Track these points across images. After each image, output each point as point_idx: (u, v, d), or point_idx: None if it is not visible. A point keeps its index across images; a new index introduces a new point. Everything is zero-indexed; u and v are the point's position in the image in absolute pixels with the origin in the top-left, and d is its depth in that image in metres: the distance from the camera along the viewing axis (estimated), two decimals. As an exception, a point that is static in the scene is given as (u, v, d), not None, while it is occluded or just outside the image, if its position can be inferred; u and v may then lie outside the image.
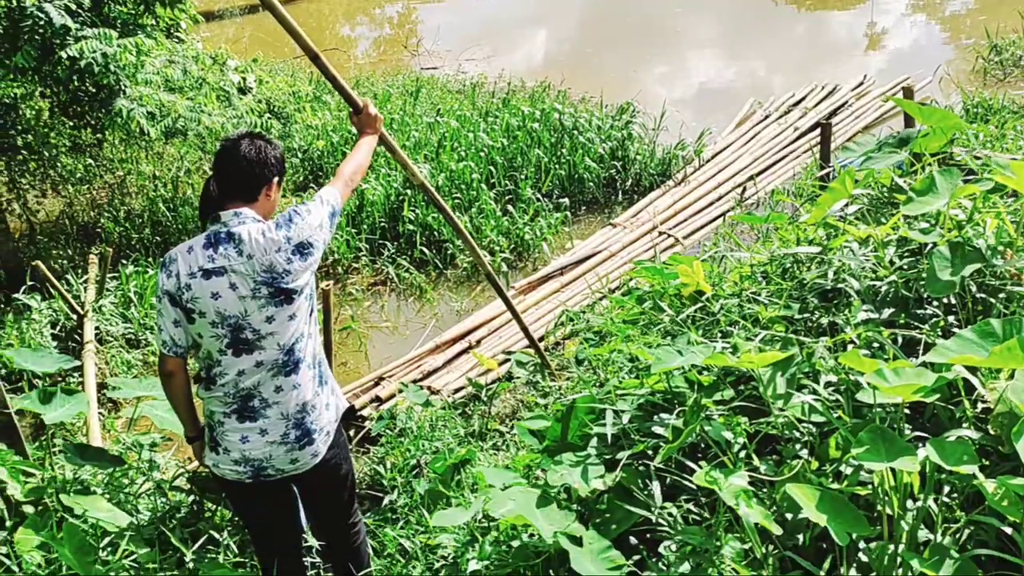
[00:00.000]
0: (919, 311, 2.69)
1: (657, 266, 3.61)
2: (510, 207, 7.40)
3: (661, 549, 2.22)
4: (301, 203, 2.86)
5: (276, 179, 2.80)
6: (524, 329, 4.80)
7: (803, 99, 9.29)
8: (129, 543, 3.06)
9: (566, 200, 7.62)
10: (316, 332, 2.89)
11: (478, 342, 5.74)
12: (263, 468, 2.83)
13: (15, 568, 2.80)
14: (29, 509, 3.04)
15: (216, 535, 3.40)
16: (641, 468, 2.51)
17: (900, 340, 2.58)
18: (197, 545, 3.18)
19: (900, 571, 1.94)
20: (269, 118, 7.24)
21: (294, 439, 2.82)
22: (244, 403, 2.79)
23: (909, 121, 5.48)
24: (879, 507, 2.02)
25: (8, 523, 2.99)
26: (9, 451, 3.07)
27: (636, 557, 2.28)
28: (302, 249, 2.76)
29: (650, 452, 2.52)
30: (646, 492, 2.39)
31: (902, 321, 2.66)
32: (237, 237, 2.70)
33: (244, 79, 7.16)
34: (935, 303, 2.67)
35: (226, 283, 2.69)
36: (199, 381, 2.90)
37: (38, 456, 3.30)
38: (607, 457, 2.60)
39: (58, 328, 5.91)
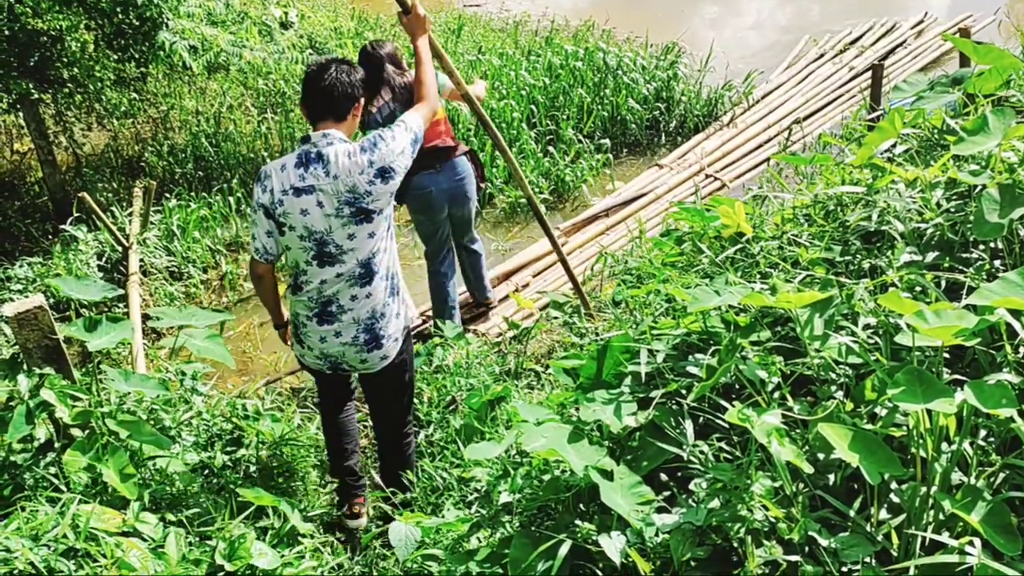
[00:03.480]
0: (964, 255, 2.63)
1: (697, 207, 3.56)
2: (551, 148, 7.33)
3: (691, 486, 2.22)
4: (387, 128, 3.08)
5: (362, 99, 3.09)
6: (565, 266, 4.80)
7: (860, 37, 9.00)
8: (171, 467, 3.15)
9: (607, 141, 7.53)
10: (392, 246, 3.21)
11: (525, 286, 5.75)
12: (339, 363, 3.27)
13: (63, 487, 2.89)
14: (76, 432, 3.13)
15: (255, 463, 3.49)
16: (674, 407, 2.50)
17: (943, 284, 2.53)
18: (235, 470, 3.26)
19: (932, 512, 1.93)
20: (311, 54, 7.21)
21: (363, 342, 3.19)
22: (324, 308, 3.14)
23: (965, 62, 5.31)
24: (913, 449, 2.00)
25: (57, 445, 3.08)
26: (57, 376, 3.15)
27: (666, 493, 2.29)
28: (384, 173, 3.00)
29: (683, 391, 2.51)
30: (678, 430, 2.39)
31: (946, 265, 2.61)
32: (325, 158, 2.96)
33: (286, 14, 7.12)
34: (981, 247, 2.60)
35: (314, 201, 2.97)
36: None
37: (85, 381, 3.39)
38: (640, 395, 2.60)
39: (104, 259, 6.04)
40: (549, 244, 5.93)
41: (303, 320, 3.20)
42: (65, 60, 6.52)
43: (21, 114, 6.72)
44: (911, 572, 1.85)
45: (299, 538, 2.87)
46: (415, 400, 4.15)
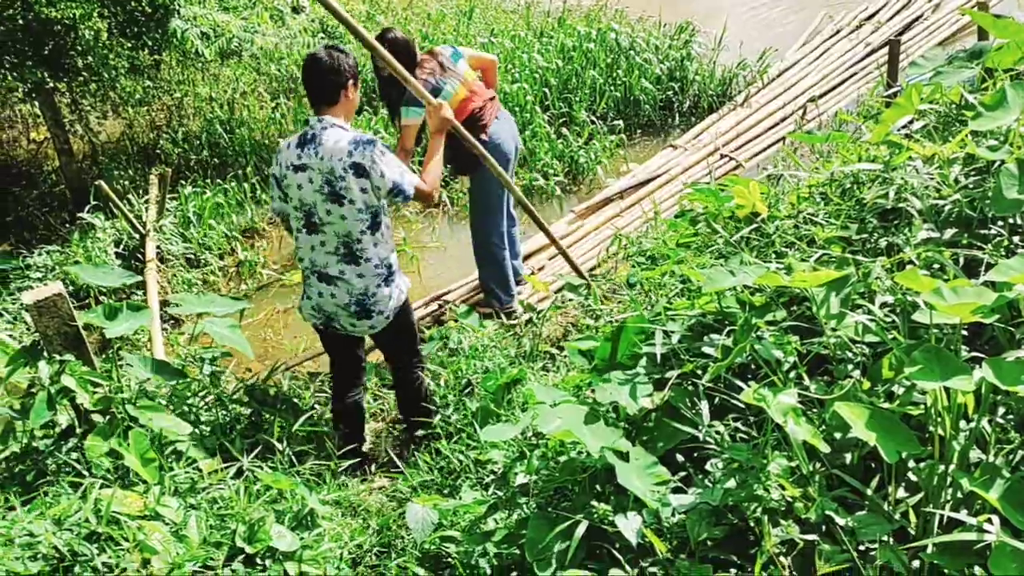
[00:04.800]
0: (983, 231, 2.60)
1: (712, 188, 3.54)
2: (564, 130, 7.30)
3: (707, 466, 2.22)
4: (390, 153, 3.43)
5: (351, 82, 3.40)
6: (559, 248, 4.81)
7: (877, 12, 8.88)
8: (191, 451, 3.18)
9: (621, 123, 7.48)
10: (385, 242, 3.54)
11: (540, 269, 5.74)
12: (332, 321, 3.63)
13: (85, 472, 2.93)
14: (97, 418, 3.16)
15: (277, 444, 3.51)
16: (689, 387, 2.50)
17: (962, 261, 2.51)
18: (254, 454, 3.28)
19: (950, 490, 1.92)
20: (322, 38, 7.20)
21: (354, 311, 3.56)
22: (323, 270, 3.52)
23: (983, 36, 5.24)
24: (931, 427, 1.99)
25: (78, 430, 3.12)
26: (77, 363, 3.18)
27: (682, 474, 2.29)
28: (357, 168, 3.33)
29: (699, 372, 2.50)
30: (694, 411, 2.39)
31: (965, 241, 2.58)
32: (318, 139, 3.35)
33: (297, -2, 7.10)
34: (1000, 223, 2.58)
35: (306, 178, 3.38)
36: None
37: (105, 368, 3.42)
38: (656, 376, 2.60)
39: (121, 247, 6.07)
40: (563, 228, 5.96)
41: (308, 273, 3.59)
42: (79, 48, 6.53)
43: (37, 103, 6.75)
44: (929, 550, 1.85)
45: (318, 520, 2.89)
46: (435, 385, 4.19)
